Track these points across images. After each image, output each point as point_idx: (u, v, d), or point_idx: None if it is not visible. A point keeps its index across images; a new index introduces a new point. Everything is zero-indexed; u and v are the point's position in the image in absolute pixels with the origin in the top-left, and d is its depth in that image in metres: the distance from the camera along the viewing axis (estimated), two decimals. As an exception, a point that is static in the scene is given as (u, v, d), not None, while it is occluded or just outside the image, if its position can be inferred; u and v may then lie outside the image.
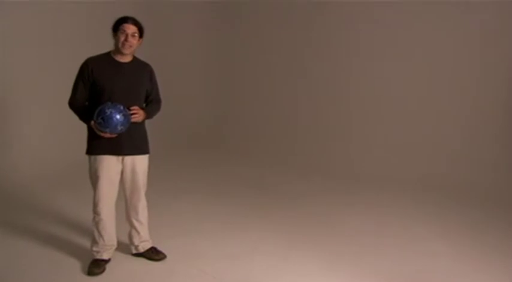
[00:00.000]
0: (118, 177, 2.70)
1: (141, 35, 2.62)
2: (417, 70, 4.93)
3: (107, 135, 2.52)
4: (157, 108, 2.83)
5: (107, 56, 2.64)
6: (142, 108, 2.68)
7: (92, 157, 2.64)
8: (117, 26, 2.56)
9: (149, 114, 2.73)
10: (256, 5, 6.03)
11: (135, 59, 2.70)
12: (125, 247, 2.92)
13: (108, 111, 2.43)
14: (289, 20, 5.79)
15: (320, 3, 5.48)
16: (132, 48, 2.59)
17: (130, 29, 2.55)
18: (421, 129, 4.95)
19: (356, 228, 3.50)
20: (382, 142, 5.17)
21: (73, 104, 2.63)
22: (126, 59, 2.64)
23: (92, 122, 2.51)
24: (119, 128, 2.47)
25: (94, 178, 2.66)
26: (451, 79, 4.75)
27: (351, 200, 4.19)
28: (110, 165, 2.63)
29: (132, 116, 2.55)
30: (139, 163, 2.72)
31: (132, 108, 2.57)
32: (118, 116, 2.43)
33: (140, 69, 2.71)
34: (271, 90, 6.11)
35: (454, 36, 4.67)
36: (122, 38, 2.54)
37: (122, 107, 2.48)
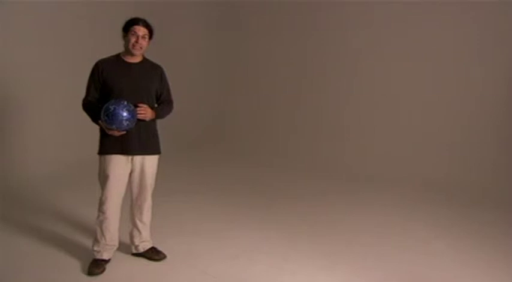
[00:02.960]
0: (127, 177, 2.70)
1: (150, 36, 2.63)
2: (418, 71, 4.93)
3: (116, 132, 2.52)
4: (169, 109, 2.82)
5: (117, 57, 2.66)
6: (152, 108, 2.68)
7: (102, 157, 2.65)
8: (128, 27, 2.58)
9: (159, 114, 2.73)
10: (257, 5, 6.03)
11: (145, 59, 2.71)
12: (125, 247, 2.92)
13: (111, 108, 2.43)
14: (289, 20, 5.79)
15: (321, 3, 5.49)
16: (142, 50, 2.61)
17: (141, 31, 2.57)
18: (421, 130, 4.95)
19: (356, 228, 3.51)
20: (382, 142, 5.17)
21: (85, 105, 2.65)
22: (136, 59, 2.66)
23: (100, 121, 2.52)
24: (125, 123, 2.46)
25: (103, 177, 2.66)
26: (451, 79, 4.75)
27: (351, 200, 4.19)
28: (120, 165, 2.63)
29: (138, 113, 2.55)
30: (149, 163, 2.72)
31: (140, 105, 2.57)
32: (122, 111, 2.44)
33: (150, 69, 2.71)
34: (271, 91, 6.11)
35: (454, 36, 4.67)
36: (133, 40, 2.56)
37: (125, 102, 2.47)
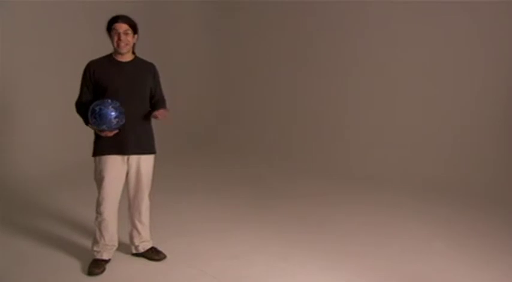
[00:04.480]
0: (123, 178, 2.70)
1: (135, 32, 2.62)
2: (417, 71, 4.93)
3: (109, 133, 2.52)
4: (165, 107, 2.83)
5: (109, 57, 2.66)
6: (151, 107, 2.71)
7: (98, 158, 2.65)
8: (110, 27, 2.58)
9: None
10: (256, 4, 6.03)
11: (136, 58, 2.71)
12: (125, 247, 2.92)
13: (97, 109, 2.43)
14: (289, 20, 5.79)
15: (320, 3, 5.48)
16: (128, 46, 2.60)
17: (122, 27, 2.56)
18: (421, 130, 4.95)
19: (356, 228, 3.50)
20: (382, 142, 5.17)
21: (79, 108, 2.64)
22: (127, 58, 2.65)
23: (89, 125, 2.52)
24: (114, 121, 2.45)
25: (99, 178, 2.65)
26: (451, 79, 4.75)
27: (350, 200, 4.19)
28: (116, 166, 2.63)
29: (159, 118, 2.58)
30: (144, 163, 2.72)
31: (155, 114, 2.59)
32: (109, 110, 2.43)
33: (142, 68, 2.71)
34: (271, 91, 6.11)
35: (454, 36, 4.67)
36: (116, 38, 2.56)
37: (109, 101, 2.47)
